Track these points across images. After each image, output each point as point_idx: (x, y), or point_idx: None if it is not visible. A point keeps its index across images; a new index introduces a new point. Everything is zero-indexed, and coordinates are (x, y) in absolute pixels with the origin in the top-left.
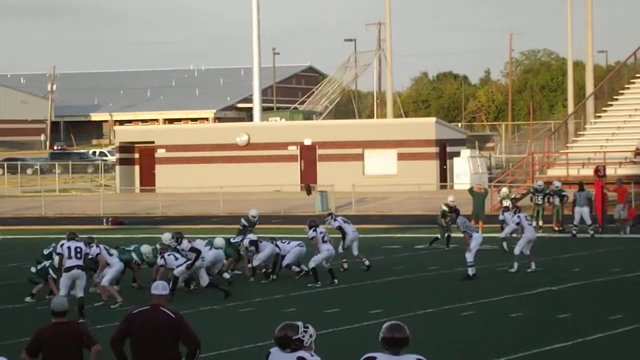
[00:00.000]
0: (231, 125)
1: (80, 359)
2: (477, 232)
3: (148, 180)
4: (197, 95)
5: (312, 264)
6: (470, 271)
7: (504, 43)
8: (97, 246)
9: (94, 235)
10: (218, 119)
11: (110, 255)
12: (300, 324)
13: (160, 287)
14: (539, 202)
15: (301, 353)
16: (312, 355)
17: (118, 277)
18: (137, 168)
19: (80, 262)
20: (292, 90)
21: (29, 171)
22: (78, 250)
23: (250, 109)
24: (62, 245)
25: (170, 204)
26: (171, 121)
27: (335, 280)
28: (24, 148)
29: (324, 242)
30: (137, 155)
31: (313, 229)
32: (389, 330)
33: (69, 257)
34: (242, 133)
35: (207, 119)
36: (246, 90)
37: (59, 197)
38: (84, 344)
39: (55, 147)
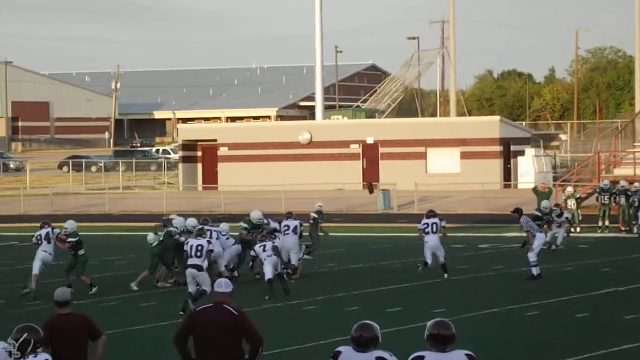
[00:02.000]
0: (293, 123)
1: (86, 349)
2: (540, 231)
3: (210, 178)
4: (260, 94)
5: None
6: (535, 271)
7: (569, 41)
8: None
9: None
10: (280, 117)
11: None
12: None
13: (223, 285)
14: (606, 202)
15: (379, 353)
16: (390, 355)
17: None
18: (199, 166)
19: (198, 262)
20: (354, 89)
21: (93, 169)
22: (199, 248)
23: (313, 107)
24: (187, 243)
25: (232, 201)
26: (233, 119)
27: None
28: (88, 146)
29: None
30: (199, 153)
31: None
32: (434, 327)
33: (190, 256)
34: (304, 131)
35: (269, 117)
36: (308, 88)
37: (123, 195)
38: (89, 334)
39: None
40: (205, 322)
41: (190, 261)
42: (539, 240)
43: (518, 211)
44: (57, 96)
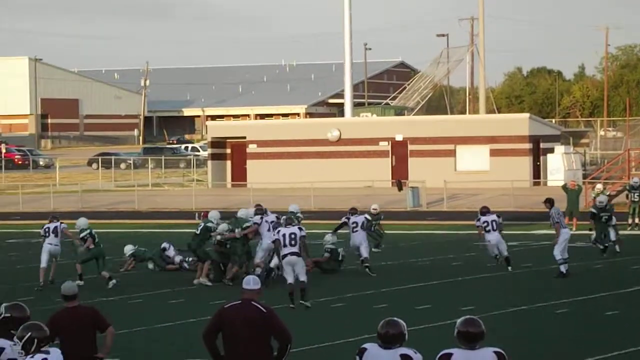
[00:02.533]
0: (322, 120)
1: (95, 342)
2: (566, 227)
3: (239, 175)
4: (289, 91)
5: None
6: (563, 268)
7: (599, 38)
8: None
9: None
10: (309, 115)
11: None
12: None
13: (251, 282)
14: (635, 200)
15: (404, 350)
16: (415, 353)
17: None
18: (228, 163)
19: (295, 249)
20: (383, 86)
21: (122, 166)
22: (292, 236)
23: (342, 104)
24: (278, 232)
25: (261, 199)
26: (262, 116)
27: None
28: (117, 143)
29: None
30: (228, 151)
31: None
32: (464, 325)
33: (284, 245)
34: (333, 128)
35: (298, 114)
36: (337, 85)
37: (152, 192)
38: (97, 326)
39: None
40: (234, 319)
41: (285, 250)
42: (564, 235)
43: (550, 201)
44: (86, 93)
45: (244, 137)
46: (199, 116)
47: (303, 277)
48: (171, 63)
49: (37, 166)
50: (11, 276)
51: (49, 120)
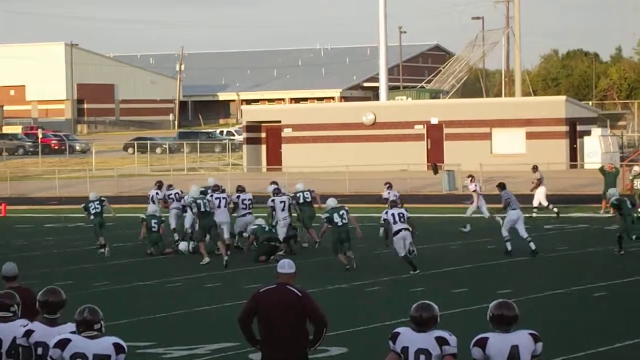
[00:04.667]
0: (357, 104)
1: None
2: (515, 209)
3: (274, 159)
4: (323, 75)
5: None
6: (509, 245)
7: (637, 19)
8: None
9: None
10: (344, 98)
11: None
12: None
13: (286, 266)
14: None
15: (439, 332)
16: (450, 335)
17: None
18: (263, 147)
19: (405, 225)
20: (418, 69)
21: (158, 150)
22: (401, 215)
23: (377, 88)
24: (386, 213)
25: (296, 182)
26: (297, 100)
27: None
28: (152, 127)
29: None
30: (263, 135)
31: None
32: (498, 308)
33: (395, 222)
34: (368, 112)
35: (333, 98)
36: (372, 69)
37: (187, 176)
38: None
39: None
40: (270, 303)
41: (396, 227)
42: (510, 216)
43: (500, 186)
44: (122, 78)
45: (279, 121)
46: (234, 100)
47: (413, 248)
48: (206, 47)
49: (73, 151)
50: (48, 260)
51: (85, 106)
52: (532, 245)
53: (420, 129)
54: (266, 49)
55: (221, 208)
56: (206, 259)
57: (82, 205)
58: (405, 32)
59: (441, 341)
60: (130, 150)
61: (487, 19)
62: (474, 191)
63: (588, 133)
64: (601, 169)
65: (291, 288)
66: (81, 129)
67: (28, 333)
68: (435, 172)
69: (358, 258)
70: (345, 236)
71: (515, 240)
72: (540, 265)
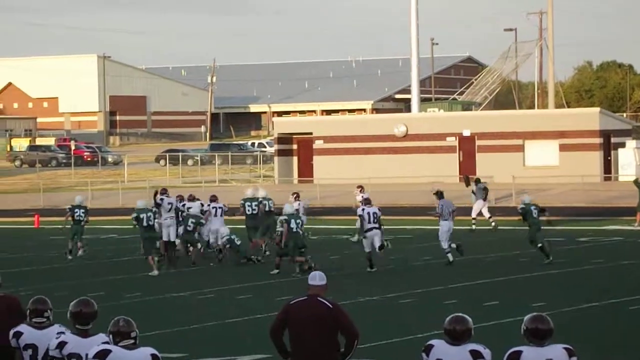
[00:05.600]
0: (389, 116)
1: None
2: (447, 220)
3: (306, 171)
4: (355, 86)
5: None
6: (450, 256)
7: None
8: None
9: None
10: (375, 110)
11: None
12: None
13: (317, 277)
14: None
15: (473, 346)
16: (484, 348)
17: None
18: (295, 159)
19: (376, 225)
20: (450, 81)
21: (190, 162)
22: (375, 214)
23: (408, 99)
24: (362, 209)
25: (328, 194)
26: (329, 112)
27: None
28: (184, 139)
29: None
30: (295, 147)
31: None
32: (532, 322)
33: (368, 222)
34: (399, 124)
35: (364, 110)
36: (404, 81)
37: (219, 188)
38: (20, 316)
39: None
40: (300, 315)
41: (368, 226)
42: (442, 227)
43: (438, 194)
44: (153, 90)
45: (311, 133)
46: (265, 112)
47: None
48: (238, 59)
49: (105, 163)
50: (80, 272)
51: (117, 117)
52: (450, 257)
53: (452, 141)
54: (297, 61)
55: (217, 217)
56: (155, 272)
57: (68, 206)
58: (437, 43)
59: (475, 354)
60: (162, 162)
61: (520, 31)
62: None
63: (622, 145)
64: (635, 182)
65: (322, 300)
66: (113, 141)
67: (61, 345)
68: (467, 184)
69: (390, 270)
70: (301, 242)
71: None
72: (574, 278)
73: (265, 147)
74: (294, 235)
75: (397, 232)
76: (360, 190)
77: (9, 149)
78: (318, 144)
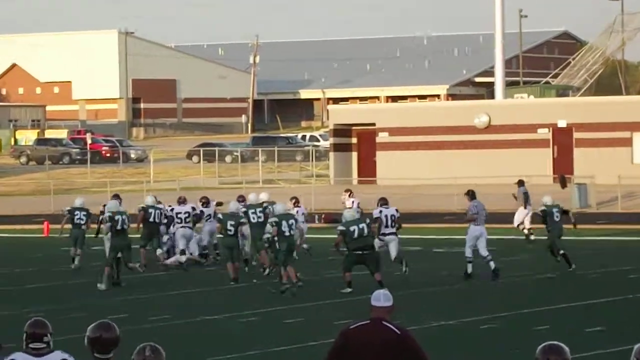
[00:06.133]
0: (468, 103)
1: None
2: (479, 225)
3: (367, 169)
4: (427, 68)
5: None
6: (469, 268)
7: None
8: None
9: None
10: (451, 96)
11: None
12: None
13: (382, 298)
14: None
15: None
16: None
17: None
18: (354, 155)
19: (393, 230)
20: (542, 61)
21: (228, 159)
22: (393, 218)
23: (491, 83)
24: (380, 212)
25: (393, 197)
26: (395, 99)
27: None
28: (221, 131)
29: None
30: (354, 140)
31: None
32: (544, 353)
33: (386, 226)
34: (480, 113)
35: (438, 96)
36: (486, 61)
37: (263, 189)
38: None
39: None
40: (362, 342)
41: (385, 230)
42: (472, 232)
43: (469, 194)
44: (185, 73)
45: (373, 124)
46: (318, 99)
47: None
48: (286, 36)
49: (127, 159)
50: (96, 289)
51: (142, 105)
52: (492, 265)
53: (544, 133)
54: (357, 37)
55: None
56: (102, 286)
57: (67, 209)
58: (526, 16)
59: None
60: (194, 158)
61: (627, 0)
62: (350, 208)
63: None
64: None
65: (388, 324)
66: (137, 133)
67: None
68: (563, 185)
69: (466, 289)
70: (294, 248)
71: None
72: None
73: (318, 140)
74: (286, 238)
75: (493, 245)
76: (350, 195)
77: (13, 143)
78: (382, 137)
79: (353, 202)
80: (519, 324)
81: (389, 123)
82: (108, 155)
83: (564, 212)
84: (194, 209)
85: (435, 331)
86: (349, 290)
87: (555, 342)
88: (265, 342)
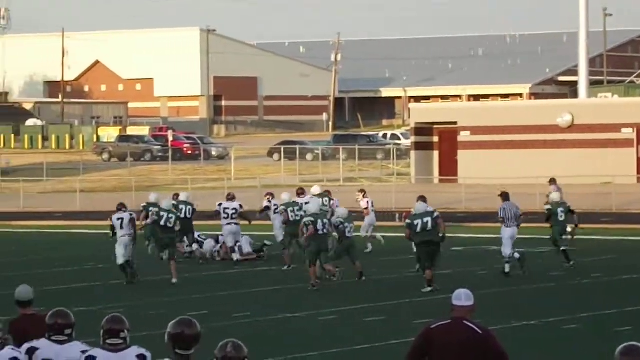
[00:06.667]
0: (551, 102)
1: None
2: (510, 227)
3: (449, 168)
4: (510, 67)
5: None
6: (507, 267)
7: None
8: None
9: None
10: (534, 95)
11: None
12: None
13: (463, 297)
14: None
15: None
16: None
17: None
18: (436, 154)
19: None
20: (627, 60)
21: (309, 157)
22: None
23: (574, 82)
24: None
25: (475, 197)
26: (477, 98)
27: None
28: (303, 129)
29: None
30: (436, 139)
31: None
32: (623, 355)
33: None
34: (564, 112)
35: (520, 95)
36: (569, 60)
37: (344, 188)
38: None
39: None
40: (444, 342)
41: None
42: (504, 234)
43: (502, 195)
44: (266, 70)
45: (455, 123)
46: (400, 97)
47: None
48: (367, 34)
49: (209, 157)
50: (182, 286)
51: (223, 103)
52: (507, 268)
53: (629, 133)
54: (439, 36)
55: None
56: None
57: (143, 205)
58: (611, 14)
59: None
60: (275, 156)
61: None
62: (366, 208)
63: None
64: None
65: (469, 324)
66: (218, 131)
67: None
68: None
69: (550, 288)
70: (324, 246)
71: None
72: None
73: (399, 139)
74: (319, 238)
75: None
76: (364, 195)
77: (95, 140)
78: (464, 136)
79: (367, 202)
80: (601, 325)
81: (471, 122)
82: (189, 152)
83: (570, 212)
84: (241, 206)
85: (517, 331)
86: (429, 289)
87: (637, 344)
88: (345, 340)
